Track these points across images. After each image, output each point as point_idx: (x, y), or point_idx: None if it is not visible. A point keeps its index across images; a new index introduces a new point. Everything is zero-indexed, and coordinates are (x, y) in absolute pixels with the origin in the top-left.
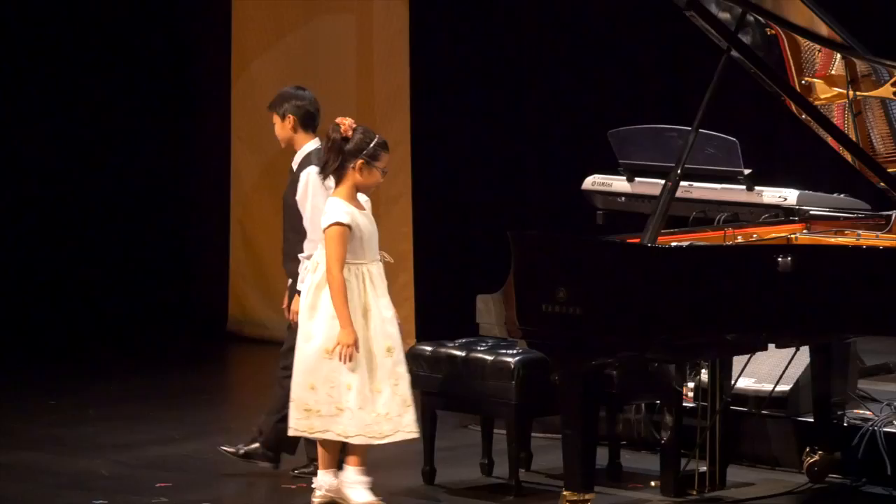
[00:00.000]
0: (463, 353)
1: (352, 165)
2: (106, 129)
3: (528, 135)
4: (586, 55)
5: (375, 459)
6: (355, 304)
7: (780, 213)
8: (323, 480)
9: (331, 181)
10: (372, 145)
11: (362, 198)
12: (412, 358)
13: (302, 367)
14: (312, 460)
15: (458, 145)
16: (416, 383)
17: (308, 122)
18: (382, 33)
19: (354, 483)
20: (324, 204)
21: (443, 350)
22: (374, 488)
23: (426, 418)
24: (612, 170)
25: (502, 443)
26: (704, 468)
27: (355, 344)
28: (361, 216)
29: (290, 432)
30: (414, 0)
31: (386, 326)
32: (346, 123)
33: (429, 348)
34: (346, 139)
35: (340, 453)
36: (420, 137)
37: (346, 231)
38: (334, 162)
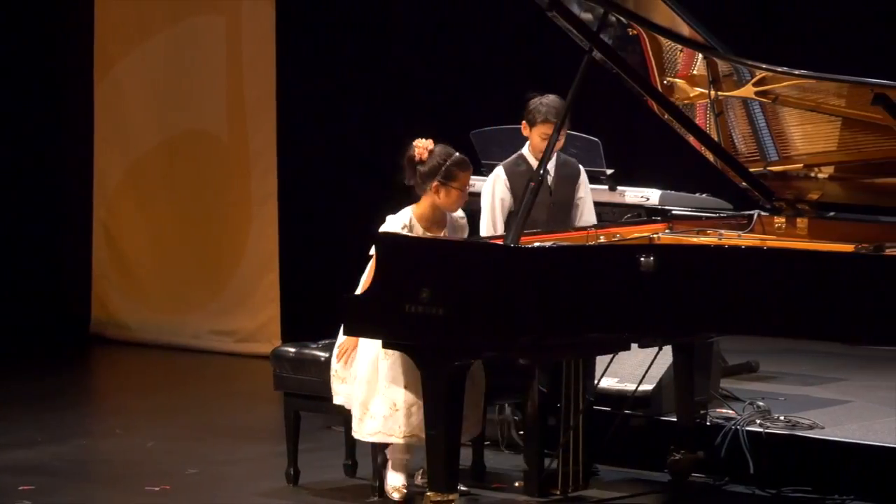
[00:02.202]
0: (326, 355)
1: (428, 187)
2: None
3: (392, 136)
4: (450, 56)
5: (237, 460)
6: None
7: (643, 213)
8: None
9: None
10: (446, 167)
11: (459, 214)
12: (275, 359)
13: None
14: None
15: (325, 146)
16: (279, 384)
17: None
18: (250, 35)
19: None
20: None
21: (306, 351)
22: (211, 486)
23: (289, 420)
24: (474, 170)
25: (366, 444)
26: (568, 468)
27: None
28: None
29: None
30: (280, 2)
31: None
32: (420, 146)
33: (292, 350)
34: (421, 162)
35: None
36: (287, 138)
37: None
38: (411, 181)
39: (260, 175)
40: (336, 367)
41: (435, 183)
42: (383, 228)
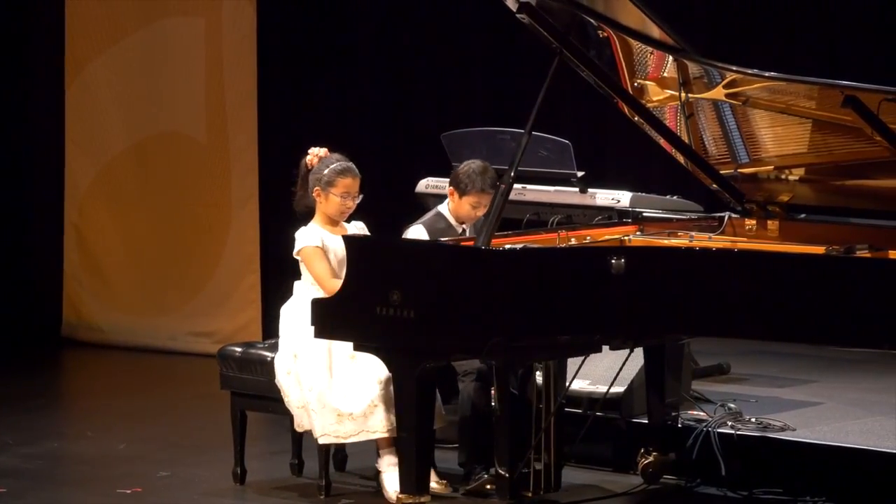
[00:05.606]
0: (272, 355)
1: (313, 194)
2: None
3: (366, 137)
4: (422, 57)
5: (209, 462)
6: None
7: (614, 215)
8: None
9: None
10: (326, 171)
11: (358, 224)
12: (221, 359)
13: None
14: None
15: (305, 149)
16: (225, 384)
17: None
18: (231, 37)
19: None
20: None
21: (252, 351)
22: (182, 488)
23: (235, 419)
24: (445, 172)
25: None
26: (540, 469)
27: None
28: (334, 240)
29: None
30: (261, 2)
31: None
32: (312, 153)
33: (238, 349)
34: (311, 169)
35: None
36: (268, 141)
37: (319, 249)
38: (301, 191)
39: (240, 177)
40: (294, 400)
41: (317, 189)
42: (303, 243)
